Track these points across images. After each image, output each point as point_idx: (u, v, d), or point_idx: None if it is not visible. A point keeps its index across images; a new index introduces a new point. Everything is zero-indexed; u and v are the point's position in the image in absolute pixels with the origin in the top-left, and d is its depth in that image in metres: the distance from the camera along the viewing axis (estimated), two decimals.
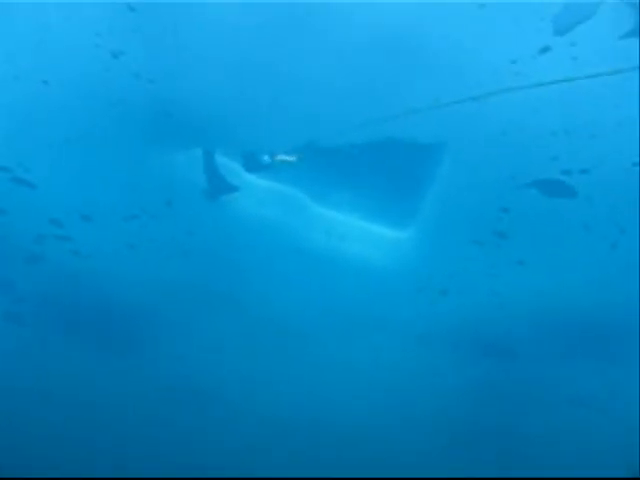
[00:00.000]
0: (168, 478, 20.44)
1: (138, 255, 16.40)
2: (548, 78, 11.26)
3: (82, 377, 19.59)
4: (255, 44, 11.73)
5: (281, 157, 13.45)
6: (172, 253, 16.28)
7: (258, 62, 12.04)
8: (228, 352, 18.60)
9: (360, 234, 15.36)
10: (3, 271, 17.32)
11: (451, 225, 14.30)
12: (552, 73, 11.23)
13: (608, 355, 16.17)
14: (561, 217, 13.46)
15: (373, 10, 10.92)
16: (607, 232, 13.64)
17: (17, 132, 13.88)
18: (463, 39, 11.20)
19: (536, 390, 17.57)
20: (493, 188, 13.31)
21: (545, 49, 11.02)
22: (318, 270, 15.92)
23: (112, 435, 21.06)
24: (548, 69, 11.23)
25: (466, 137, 12.53)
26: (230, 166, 14.34)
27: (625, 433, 17.09)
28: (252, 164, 14.21)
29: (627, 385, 16.57)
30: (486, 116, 12.00)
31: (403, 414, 18.88)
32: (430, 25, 11.05)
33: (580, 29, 10.60)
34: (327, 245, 15.45)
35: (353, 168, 14.12)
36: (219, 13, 11.41)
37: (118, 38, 12.01)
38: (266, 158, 13.69)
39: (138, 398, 20.07)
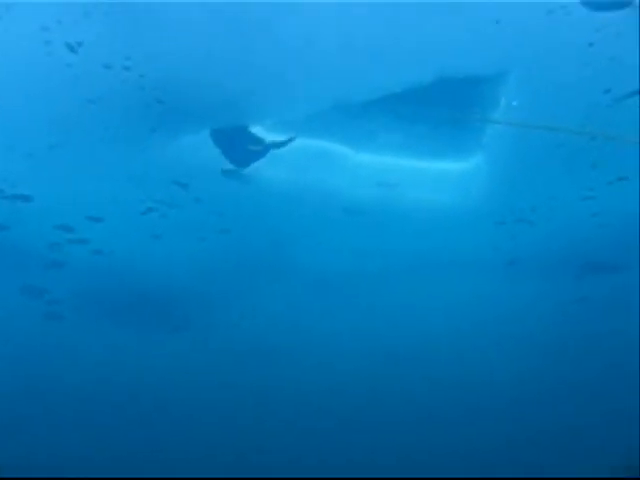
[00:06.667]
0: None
1: (167, 243, 14.64)
2: None
3: (135, 361, 18.95)
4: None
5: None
6: (205, 235, 14.42)
7: (257, 19, 8.97)
8: (287, 314, 17.06)
9: (416, 176, 12.72)
10: (31, 281, 16.11)
11: (528, 148, 11.49)
12: None
13: None
14: None
15: None
16: None
17: None
18: None
19: None
20: (580, 104, 10.34)
21: None
22: (376, 226, 13.62)
23: (181, 412, 20.79)
24: None
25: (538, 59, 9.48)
26: (245, 136, 11.62)
27: None
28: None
29: None
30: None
31: (500, 343, 17.40)
32: None
33: None
34: (380, 197, 12.96)
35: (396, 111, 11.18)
36: None
37: (70, 28, 9.11)
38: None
39: (199, 369, 19.40)
